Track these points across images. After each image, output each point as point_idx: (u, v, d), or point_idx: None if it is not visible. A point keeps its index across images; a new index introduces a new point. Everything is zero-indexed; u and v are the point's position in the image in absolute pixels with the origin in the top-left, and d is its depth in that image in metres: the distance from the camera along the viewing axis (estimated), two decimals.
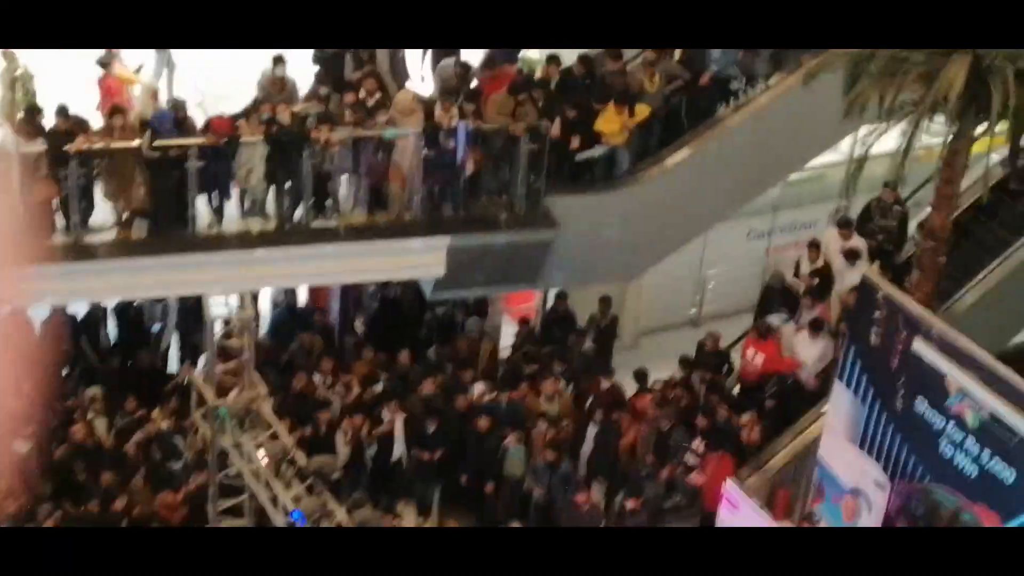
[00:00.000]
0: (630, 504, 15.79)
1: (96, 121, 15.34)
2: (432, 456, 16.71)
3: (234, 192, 15.67)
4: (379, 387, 17.04)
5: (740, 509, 13.77)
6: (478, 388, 17.30)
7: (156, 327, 18.34)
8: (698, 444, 16.95)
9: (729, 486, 14.01)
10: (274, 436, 13.30)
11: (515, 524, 17.08)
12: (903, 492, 14.55)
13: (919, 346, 13.29)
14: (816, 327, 17.14)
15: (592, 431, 16.98)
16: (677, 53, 17.82)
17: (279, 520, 12.74)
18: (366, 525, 12.33)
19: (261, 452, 13.06)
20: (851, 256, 17.55)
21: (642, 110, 17.09)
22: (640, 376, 18.14)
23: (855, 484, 15.10)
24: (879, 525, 14.90)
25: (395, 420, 16.54)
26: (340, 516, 12.49)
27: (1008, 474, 13.04)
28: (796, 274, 18.94)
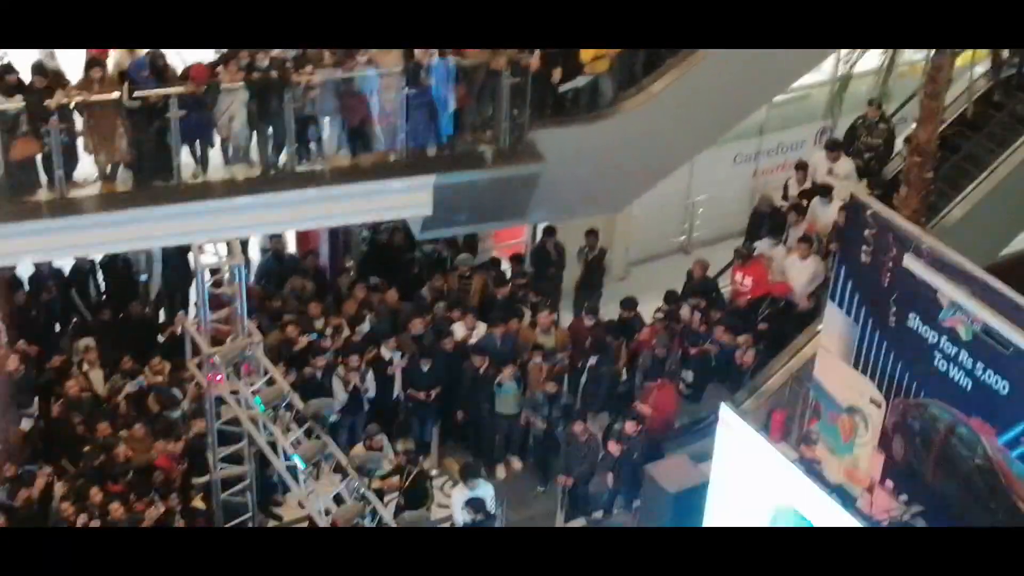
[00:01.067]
0: (629, 427, 15.83)
1: (74, 75, 15.19)
2: (428, 396, 16.75)
3: (217, 140, 15.56)
4: (365, 326, 17.03)
5: (736, 431, 13.78)
6: (469, 324, 17.30)
7: (144, 278, 18.32)
8: (688, 373, 17.08)
9: (724, 410, 14.03)
10: (270, 382, 13.27)
11: (514, 461, 17.19)
12: (899, 408, 14.61)
13: (910, 262, 13.28)
14: (805, 242, 17.22)
15: (590, 362, 17.03)
16: None
17: (279, 465, 12.76)
18: (365, 465, 12.31)
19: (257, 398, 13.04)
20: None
21: None
22: (627, 304, 18.12)
23: (851, 403, 15.16)
24: (876, 443, 15.01)
25: (394, 359, 16.58)
26: (339, 458, 12.52)
27: (1002, 385, 13.08)
28: (784, 196, 18.96)
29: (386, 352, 16.66)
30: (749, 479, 13.75)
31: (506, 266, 19.14)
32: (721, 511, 14.29)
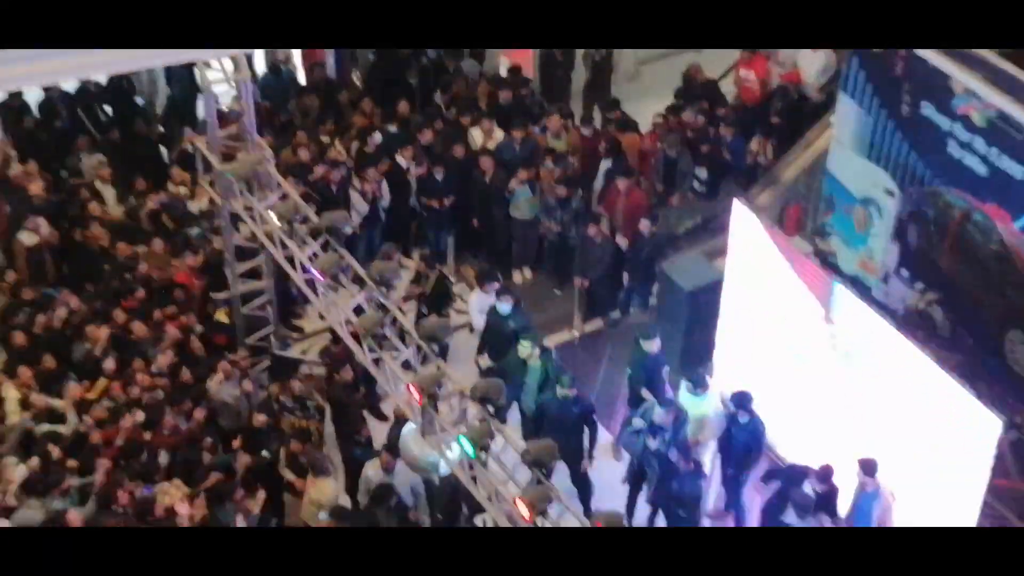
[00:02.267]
0: (644, 226, 15.91)
1: None
2: (442, 204, 16.77)
3: None
4: (378, 137, 16.98)
5: (751, 228, 13.85)
6: (486, 128, 17.23)
7: (140, 100, 18.28)
8: (701, 171, 17.08)
9: (738, 206, 14.05)
10: (283, 197, 13.28)
11: (527, 270, 17.28)
12: (913, 197, 14.71)
13: (923, 50, 13.18)
14: None
15: (603, 166, 17.01)
16: None
17: (298, 279, 12.85)
18: (383, 275, 12.33)
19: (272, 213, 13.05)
20: None
21: None
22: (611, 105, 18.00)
23: (865, 194, 15.27)
24: (890, 233, 15.11)
25: (410, 169, 16.58)
26: (357, 269, 12.55)
27: (1018, 170, 13.13)
28: None
29: (402, 161, 16.62)
30: (764, 274, 13.88)
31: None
32: (736, 307, 14.49)
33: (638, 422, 13.64)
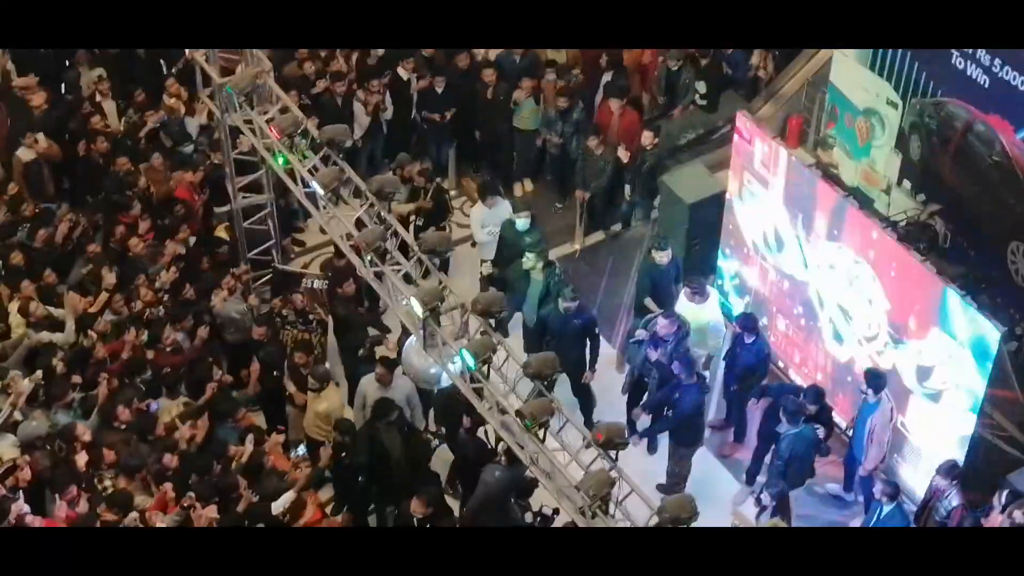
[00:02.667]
0: (647, 138, 15.91)
1: None
2: (443, 117, 16.76)
3: None
4: (379, 51, 16.93)
5: (752, 142, 13.85)
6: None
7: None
8: (701, 84, 17.03)
9: (740, 119, 14.04)
10: (283, 110, 13.25)
11: (527, 183, 17.31)
12: (916, 108, 14.80)
13: None
14: None
15: (604, 79, 16.96)
16: None
17: (298, 192, 12.88)
18: (383, 189, 12.36)
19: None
20: None
21: None
22: None
23: (868, 105, 15.37)
24: (893, 145, 15.16)
25: (411, 81, 16.54)
26: (358, 183, 12.60)
27: (1020, 81, 13.21)
28: None
29: (403, 73, 16.55)
30: (765, 187, 13.91)
31: None
32: (737, 220, 14.53)
33: (640, 333, 13.76)
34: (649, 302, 14.38)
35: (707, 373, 14.06)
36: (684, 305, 14.00)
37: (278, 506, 11.93)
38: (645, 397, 13.75)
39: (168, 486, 11.95)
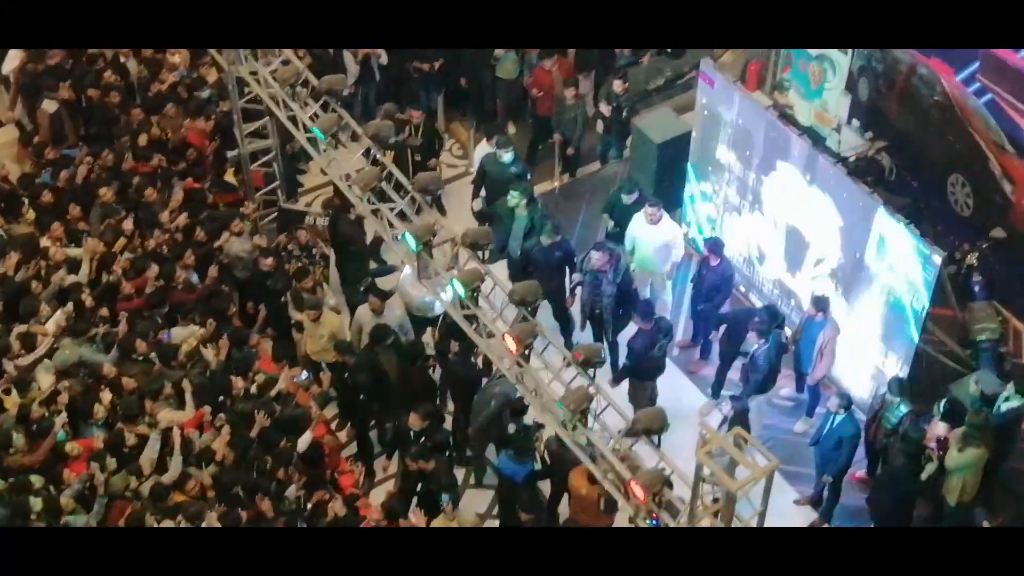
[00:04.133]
0: (617, 86, 16.62)
1: None
2: (432, 67, 17.37)
3: None
4: None
5: (715, 86, 14.68)
6: None
7: None
8: None
9: (705, 65, 14.88)
10: (286, 62, 13.75)
11: (511, 126, 18.05)
12: (864, 54, 15.48)
13: None
14: None
15: None
16: None
17: (301, 137, 13.45)
18: (379, 135, 13.04)
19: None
20: None
21: None
22: None
23: (820, 51, 16.02)
24: (843, 87, 15.86)
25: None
26: (355, 128, 13.20)
27: None
28: None
29: None
30: (727, 127, 14.71)
31: None
32: (701, 157, 15.37)
33: (576, 277, 14.52)
34: (605, 217, 15.33)
35: (665, 299, 14.91)
36: (640, 226, 14.60)
37: (302, 443, 12.64)
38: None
39: (207, 409, 12.65)
